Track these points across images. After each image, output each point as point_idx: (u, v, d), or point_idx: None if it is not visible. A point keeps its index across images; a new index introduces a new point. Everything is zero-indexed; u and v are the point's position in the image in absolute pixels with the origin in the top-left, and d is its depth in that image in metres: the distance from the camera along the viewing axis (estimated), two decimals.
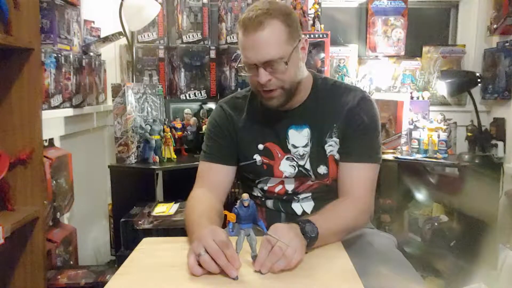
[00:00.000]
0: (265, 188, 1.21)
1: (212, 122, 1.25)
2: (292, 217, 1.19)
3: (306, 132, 1.16)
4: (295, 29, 1.08)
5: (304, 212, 1.20)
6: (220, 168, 1.21)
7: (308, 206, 1.20)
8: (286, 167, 1.17)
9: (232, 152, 1.21)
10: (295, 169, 1.17)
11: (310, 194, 1.20)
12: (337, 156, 1.16)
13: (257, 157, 1.19)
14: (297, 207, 1.20)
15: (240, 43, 1.08)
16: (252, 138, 1.20)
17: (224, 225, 1.00)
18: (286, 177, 1.18)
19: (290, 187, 1.19)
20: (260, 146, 1.19)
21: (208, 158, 1.22)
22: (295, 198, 1.20)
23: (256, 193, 1.25)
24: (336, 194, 1.16)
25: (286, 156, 1.18)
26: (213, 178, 1.21)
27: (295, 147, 1.17)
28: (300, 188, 1.19)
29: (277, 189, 1.20)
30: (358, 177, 1.13)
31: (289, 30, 1.05)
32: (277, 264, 0.83)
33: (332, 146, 1.15)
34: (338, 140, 1.15)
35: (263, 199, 1.23)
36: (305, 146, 1.16)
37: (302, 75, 1.13)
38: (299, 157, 1.17)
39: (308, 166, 1.17)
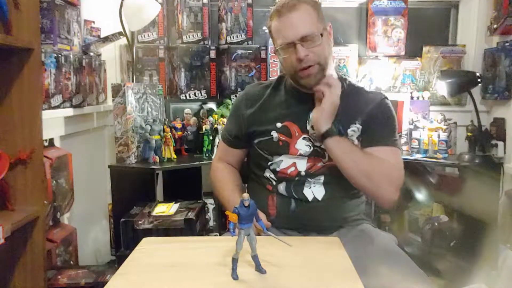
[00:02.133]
0: (278, 169, 1.26)
1: (234, 104, 1.42)
2: (302, 203, 1.23)
3: None
4: (322, 15, 1.21)
5: (315, 199, 1.23)
6: (234, 151, 1.39)
7: (319, 192, 1.23)
8: (301, 146, 1.24)
9: (242, 136, 1.34)
10: (310, 148, 1.23)
11: (322, 177, 1.23)
12: (356, 142, 1.23)
13: (274, 134, 1.26)
14: (308, 193, 1.23)
15: (276, 28, 1.21)
16: (271, 117, 1.28)
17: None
18: (300, 154, 1.23)
19: (302, 167, 1.24)
20: (278, 124, 1.26)
21: (224, 140, 1.41)
22: (307, 180, 1.23)
23: (268, 174, 1.28)
24: (348, 183, 1.20)
25: (303, 136, 1.24)
26: (229, 158, 1.41)
27: (314, 129, 1.22)
28: (312, 169, 1.23)
29: (289, 171, 1.25)
30: (386, 156, 1.20)
31: (318, 13, 1.19)
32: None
33: (353, 131, 1.23)
34: (360, 127, 1.23)
35: (274, 183, 1.27)
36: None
37: (331, 59, 1.24)
38: (315, 138, 1.22)
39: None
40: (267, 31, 2.40)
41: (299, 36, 1.15)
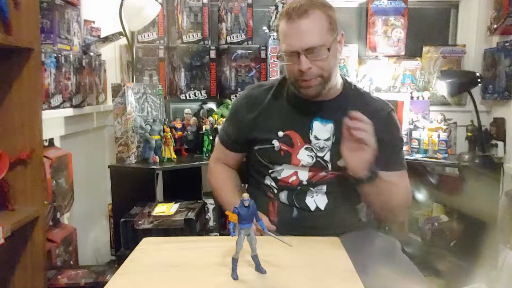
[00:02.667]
0: (279, 177, 1.23)
1: (233, 106, 1.35)
2: (304, 212, 1.20)
3: (330, 127, 1.19)
4: (335, 22, 1.14)
5: (317, 208, 1.20)
6: (232, 154, 1.36)
7: (322, 201, 1.21)
8: (304, 156, 1.20)
9: (241, 141, 1.30)
10: (312, 159, 1.20)
11: (324, 187, 1.21)
12: None
13: (276, 143, 1.22)
14: (310, 202, 1.21)
15: (282, 32, 1.13)
16: (272, 125, 1.23)
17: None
18: (302, 165, 1.20)
19: (304, 177, 1.21)
20: (280, 133, 1.22)
21: (222, 141, 1.37)
22: (310, 189, 1.21)
23: (269, 182, 1.25)
24: (350, 191, 1.17)
25: (305, 146, 1.20)
26: (227, 160, 1.38)
27: (317, 139, 1.19)
28: (314, 179, 1.20)
29: (290, 180, 1.22)
30: (397, 182, 1.19)
31: (330, 21, 1.12)
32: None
33: None
34: None
35: (276, 191, 1.24)
36: (327, 140, 1.19)
37: (337, 68, 1.19)
38: (318, 149, 1.19)
39: (327, 158, 1.19)
40: (267, 31, 2.42)
41: (305, 47, 1.08)
